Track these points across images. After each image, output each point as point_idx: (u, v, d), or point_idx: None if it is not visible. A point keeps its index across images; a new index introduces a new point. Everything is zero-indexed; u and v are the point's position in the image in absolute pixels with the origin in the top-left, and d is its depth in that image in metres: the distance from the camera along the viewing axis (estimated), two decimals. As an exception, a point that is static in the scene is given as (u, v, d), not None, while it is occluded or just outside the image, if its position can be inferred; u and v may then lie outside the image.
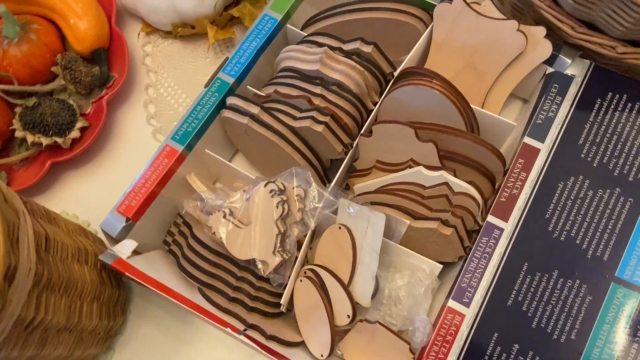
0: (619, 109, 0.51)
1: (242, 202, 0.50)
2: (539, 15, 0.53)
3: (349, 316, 0.46)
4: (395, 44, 0.57)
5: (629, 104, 0.51)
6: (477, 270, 0.47)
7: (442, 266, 0.49)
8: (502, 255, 0.48)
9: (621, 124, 0.50)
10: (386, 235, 0.47)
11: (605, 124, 0.51)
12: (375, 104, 0.54)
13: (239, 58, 0.56)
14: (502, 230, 0.48)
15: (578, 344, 0.45)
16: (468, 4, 0.53)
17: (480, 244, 0.48)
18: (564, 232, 0.48)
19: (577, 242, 0.47)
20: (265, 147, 0.53)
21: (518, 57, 0.53)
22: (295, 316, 0.50)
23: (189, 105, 0.65)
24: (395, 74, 0.54)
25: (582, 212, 0.48)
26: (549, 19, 0.52)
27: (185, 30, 0.66)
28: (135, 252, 0.50)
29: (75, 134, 0.60)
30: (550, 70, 0.54)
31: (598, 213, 0.48)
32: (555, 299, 0.46)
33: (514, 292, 0.47)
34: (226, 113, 0.54)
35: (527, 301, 0.46)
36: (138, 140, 0.64)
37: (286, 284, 0.48)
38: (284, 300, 0.48)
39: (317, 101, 0.51)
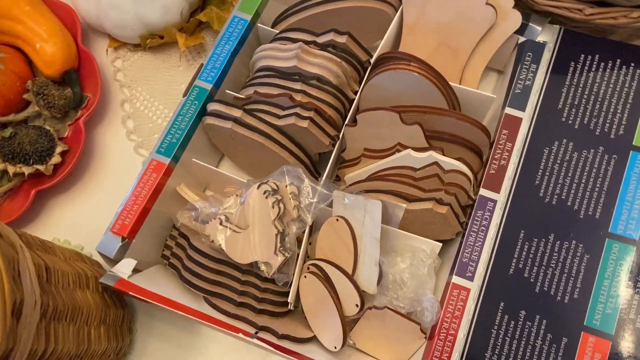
0: (593, 69, 0.52)
1: (237, 207, 0.50)
2: (504, -13, 0.54)
3: (357, 305, 0.47)
4: (367, 31, 0.57)
5: (602, 64, 0.52)
6: (476, 244, 0.48)
7: (441, 244, 0.50)
8: (498, 226, 0.49)
9: (597, 84, 0.51)
10: (384, 221, 0.48)
11: (581, 85, 0.52)
12: (356, 93, 0.54)
13: (214, 63, 0.56)
14: (495, 201, 0.49)
15: (582, 302, 0.46)
16: (435, -17, 0.54)
17: (476, 218, 0.49)
18: (555, 196, 0.49)
19: (569, 204, 0.49)
20: (252, 149, 0.53)
21: (489, 30, 0.54)
22: (304, 312, 0.50)
23: (168, 117, 0.64)
24: (372, 60, 0.54)
25: (570, 175, 0.49)
26: (515, -11, 0.52)
27: (154, 41, 0.65)
28: (135, 270, 0.50)
29: (56, 159, 0.59)
30: (522, 39, 0.55)
31: (585, 173, 0.49)
32: (554, 262, 0.47)
33: (514, 260, 0.48)
34: (209, 120, 0.53)
35: (527, 267, 0.47)
36: (121, 157, 0.63)
37: (291, 282, 0.49)
38: (291, 298, 0.49)
39: (298, 97, 0.51)
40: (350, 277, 0.47)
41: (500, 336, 0.46)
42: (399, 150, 0.51)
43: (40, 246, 0.44)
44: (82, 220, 0.61)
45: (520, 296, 0.47)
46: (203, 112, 0.54)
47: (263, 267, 0.48)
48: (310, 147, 0.53)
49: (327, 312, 0.48)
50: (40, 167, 0.58)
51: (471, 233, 0.48)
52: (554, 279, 0.47)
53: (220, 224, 0.49)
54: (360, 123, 0.51)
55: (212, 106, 0.53)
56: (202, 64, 0.56)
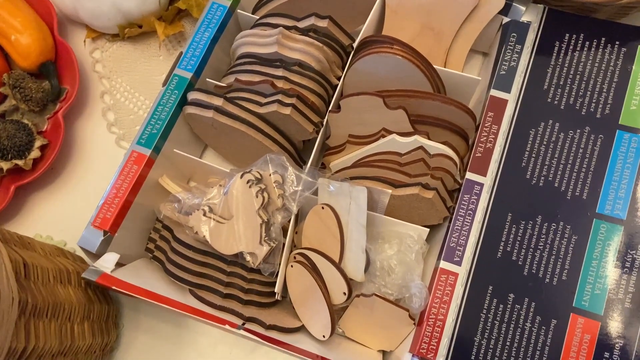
0: (578, 48, 0.51)
1: (221, 197, 0.49)
2: (487, -33, 0.53)
3: (345, 293, 0.46)
4: (349, 15, 0.56)
5: (587, 43, 0.51)
6: (464, 228, 0.48)
7: (428, 230, 0.49)
8: (485, 209, 0.48)
9: (582, 64, 0.51)
10: (370, 208, 0.47)
11: (566, 65, 0.51)
12: (339, 79, 0.53)
13: (194, 51, 0.54)
14: (481, 185, 0.49)
15: (570, 284, 0.46)
16: (416, -35, 0.53)
17: (462, 202, 0.48)
18: (542, 178, 0.48)
19: (556, 185, 0.48)
20: (234, 138, 0.52)
21: (473, 11, 0.53)
22: (292, 302, 0.50)
23: (150, 107, 0.63)
24: (355, 45, 0.53)
25: (556, 156, 0.49)
26: (498, -31, 0.52)
27: (133, 31, 0.63)
28: (119, 264, 0.49)
29: (35, 153, 0.58)
30: (506, 20, 0.54)
31: (572, 154, 0.49)
32: (542, 244, 0.47)
33: (502, 243, 0.47)
34: (189, 109, 0.52)
35: (515, 250, 0.47)
36: (102, 150, 0.62)
37: (277, 272, 0.48)
38: (277, 288, 0.48)
39: (280, 84, 0.50)
40: (337, 265, 0.46)
41: (490, 320, 0.46)
42: (383, 136, 0.50)
43: (18, 242, 0.43)
44: (64, 215, 0.60)
45: (508, 279, 0.46)
46: (184, 102, 0.53)
47: (248, 258, 0.47)
48: (293, 134, 0.52)
49: (314, 301, 0.47)
50: (19, 162, 0.57)
51: (458, 217, 0.48)
52: (542, 261, 0.47)
53: (204, 215, 0.48)
54: (343, 109, 0.50)
55: (193, 95, 0.52)
56: (181, 52, 0.54)
